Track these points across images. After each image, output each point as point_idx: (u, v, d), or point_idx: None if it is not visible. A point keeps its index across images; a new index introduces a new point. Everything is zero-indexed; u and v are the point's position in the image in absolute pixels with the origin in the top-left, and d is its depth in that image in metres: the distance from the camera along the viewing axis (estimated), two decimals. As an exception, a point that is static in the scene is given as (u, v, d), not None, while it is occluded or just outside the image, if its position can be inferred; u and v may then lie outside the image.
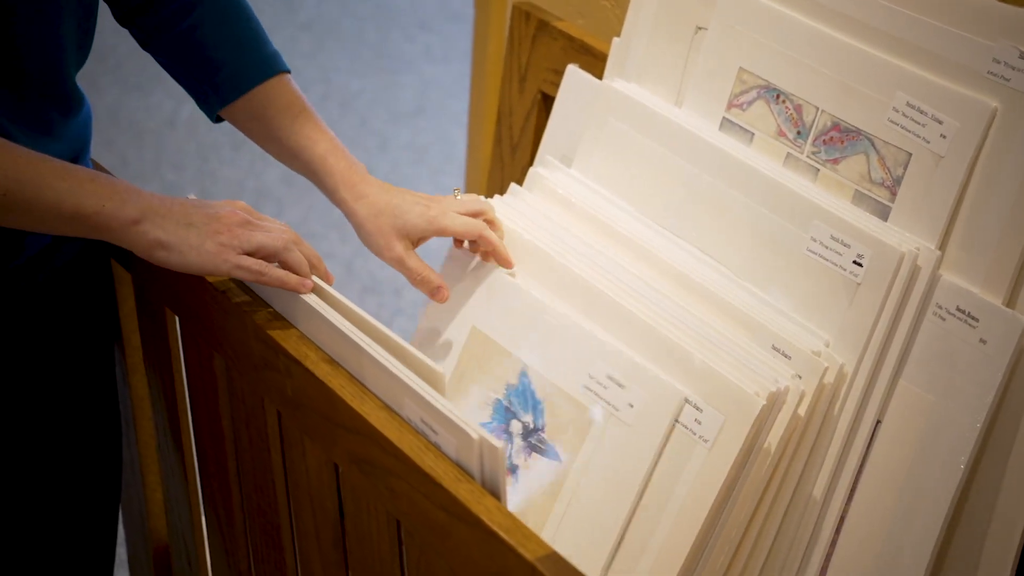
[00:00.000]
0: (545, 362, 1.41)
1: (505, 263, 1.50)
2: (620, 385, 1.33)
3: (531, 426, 1.44)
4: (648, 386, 1.32)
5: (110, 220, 1.32)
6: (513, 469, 1.45)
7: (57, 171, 1.31)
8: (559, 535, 1.39)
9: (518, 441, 1.44)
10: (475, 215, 1.52)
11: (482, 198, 1.55)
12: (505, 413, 1.47)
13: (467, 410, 1.48)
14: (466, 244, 1.55)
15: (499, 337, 1.46)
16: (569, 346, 1.40)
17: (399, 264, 1.50)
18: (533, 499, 1.41)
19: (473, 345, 1.50)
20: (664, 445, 1.32)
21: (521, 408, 1.45)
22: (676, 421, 1.35)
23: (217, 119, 1.58)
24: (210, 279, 1.42)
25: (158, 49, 1.55)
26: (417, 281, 1.50)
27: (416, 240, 1.51)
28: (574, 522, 1.39)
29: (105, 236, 1.33)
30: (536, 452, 1.43)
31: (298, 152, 1.54)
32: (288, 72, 1.56)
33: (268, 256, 1.36)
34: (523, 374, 1.41)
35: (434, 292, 1.50)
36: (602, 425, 1.28)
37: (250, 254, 1.35)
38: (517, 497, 1.42)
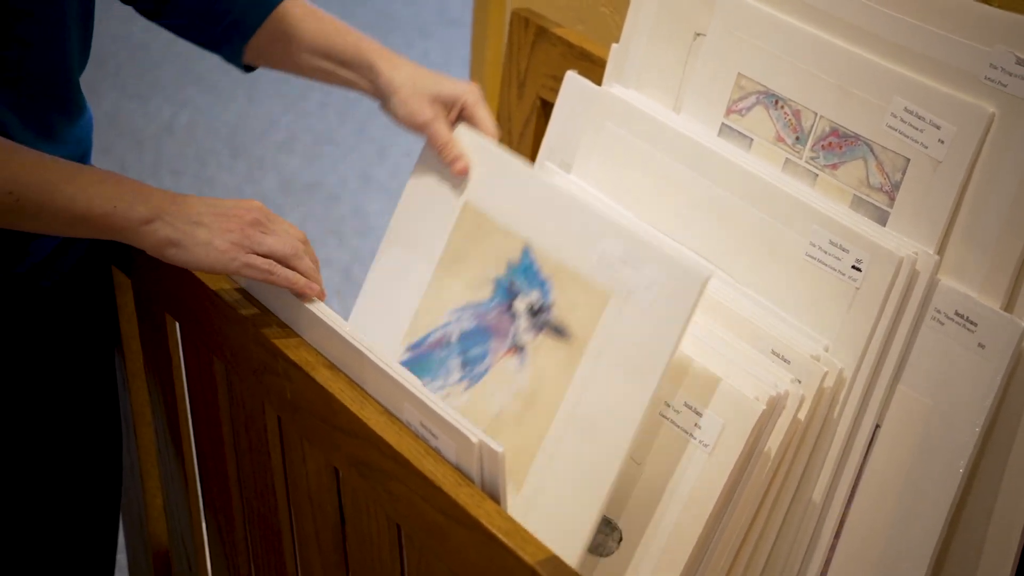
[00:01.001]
0: (550, 240, 1.38)
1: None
2: (633, 266, 1.29)
3: (538, 305, 1.40)
4: (665, 266, 1.28)
5: (121, 221, 1.32)
6: (520, 348, 1.40)
7: (67, 174, 1.31)
8: (568, 431, 1.34)
9: (524, 320, 1.40)
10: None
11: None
12: (508, 291, 1.42)
13: (462, 291, 1.45)
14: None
15: (497, 214, 1.42)
16: (576, 224, 1.35)
17: (428, 127, 1.49)
18: (545, 380, 1.37)
19: (466, 223, 1.47)
20: (685, 328, 1.27)
21: (526, 285, 1.41)
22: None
23: (247, 68, 1.60)
24: (210, 284, 1.42)
25: (168, 15, 1.56)
26: (441, 146, 1.48)
27: (447, 108, 1.51)
28: (586, 413, 1.34)
29: (116, 236, 1.34)
30: (544, 331, 1.39)
31: (328, 50, 1.54)
32: None
33: (278, 261, 1.36)
34: (526, 252, 1.38)
35: (455, 160, 1.48)
36: (618, 307, 1.26)
37: (260, 256, 1.35)
38: (525, 377, 1.38)
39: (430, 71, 1.53)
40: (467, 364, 1.41)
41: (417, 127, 1.50)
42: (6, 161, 1.28)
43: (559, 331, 1.37)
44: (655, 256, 1.29)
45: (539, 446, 1.34)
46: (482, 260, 1.44)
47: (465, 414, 1.36)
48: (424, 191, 1.51)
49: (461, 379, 1.42)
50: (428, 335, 1.45)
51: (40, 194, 1.29)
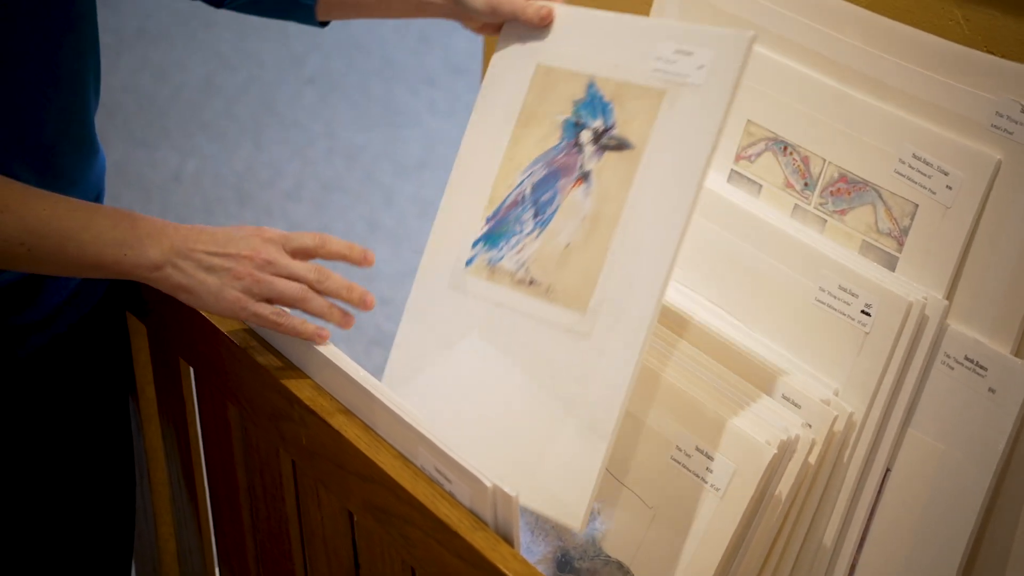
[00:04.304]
0: (612, 64, 1.40)
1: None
2: (686, 53, 1.32)
3: (601, 128, 1.41)
4: (712, 40, 1.31)
5: (132, 268, 1.34)
6: (586, 176, 1.40)
7: (80, 221, 1.32)
8: (625, 242, 1.34)
9: (589, 148, 1.41)
10: None
11: None
12: (574, 128, 1.43)
13: (534, 146, 1.45)
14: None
15: (563, 62, 1.44)
16: (633, 38, 1.39)
17: (507, 2, 1.47)
18: (607, 197, 1.37)
19: (537, 82, 1.48)
20: (732, 98, 1.30)
21: (590, 116, 1.42)
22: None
23: (322, 24, 1.60)
24: (224, 329, 1.43)
25: None
26: (521, 9, 1.46)
27: None
28: (639, 218, 1.35)
29: (130, 279, 1.35)
30: (608, 149, 1.39)
31: None
32: None
33: (288, 305, 1.37)
34: (590, 85, 1.41)
35: (536, 12, 1.45)
36: (671, 100, 1.29)
37: (270, 300, 1.36)
38: (590, 201, 1.38)
39: None
40: (538, 213, 1.42)
41: (499, 11, 1.47)
42: (21, 214, 1.29)
43: (620, 145, 1.38)
44: (704, 36, 1.31)
45: (603, 264, 1.35)
46: (551, 110, 1.46)
47: (537, 259, 1.39)
48: (499, 76, 1.51)
49: (533, 228, 1.42)
50: (505, 200, 1.46)
51: (51, 244, 1.30)
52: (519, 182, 1.44)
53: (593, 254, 1.35)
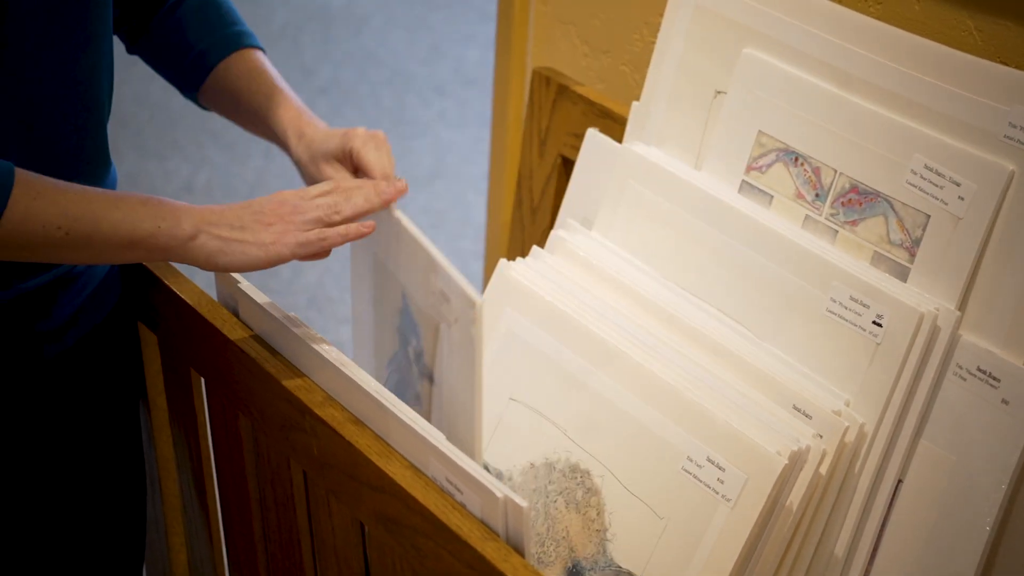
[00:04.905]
0: (413, 284, 1.39)
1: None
2: (448, 300, 1.30)
3: (418, 351, 1.42)
4: (460, 297, 1.29)
5: (168, 240, 1.35)
6: (417, 396, 1.42)
7: (111, 201, 1.34)
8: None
9: (415, 367, 1.42)
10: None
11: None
12: (404, 339, 1.45)
13: (389, 343, 1.47)
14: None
15: (389, 263, 1.45)
16: (421, 265, 1.36)
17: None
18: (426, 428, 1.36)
19: (378, 276, 1.49)
20: (480, 361, 1.28)
21: (410, 333, 1.43)
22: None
23: (205, 108, 1.65)
24: (233, 338, 1.44)
25: (143, 46, 1.62)
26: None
27: (344, 162, 1.50)
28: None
29: (165, 256, 1.36)
30: (424, 376, 1.41)
31: (255, 116, 1.58)
32: (258, 48, 1.62)
33: (329, 222, 1.39)
34: (403, 297, 1.41)
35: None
36: (444, 346, 1.28)
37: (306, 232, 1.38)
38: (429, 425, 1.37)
39: (328, 131, 1.53)
40: None
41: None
42: (54, 199, 1.31)
43: (430, 377, 1.39)
44: (456, 289, 1.30)
45: None
46: (388, 312, 1.47)
47: None
48: (360, 253, 1.53)
49: None
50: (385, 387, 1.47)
51: (87, 225, 1.32)
52: (388, 375, 1.48)
53: None
